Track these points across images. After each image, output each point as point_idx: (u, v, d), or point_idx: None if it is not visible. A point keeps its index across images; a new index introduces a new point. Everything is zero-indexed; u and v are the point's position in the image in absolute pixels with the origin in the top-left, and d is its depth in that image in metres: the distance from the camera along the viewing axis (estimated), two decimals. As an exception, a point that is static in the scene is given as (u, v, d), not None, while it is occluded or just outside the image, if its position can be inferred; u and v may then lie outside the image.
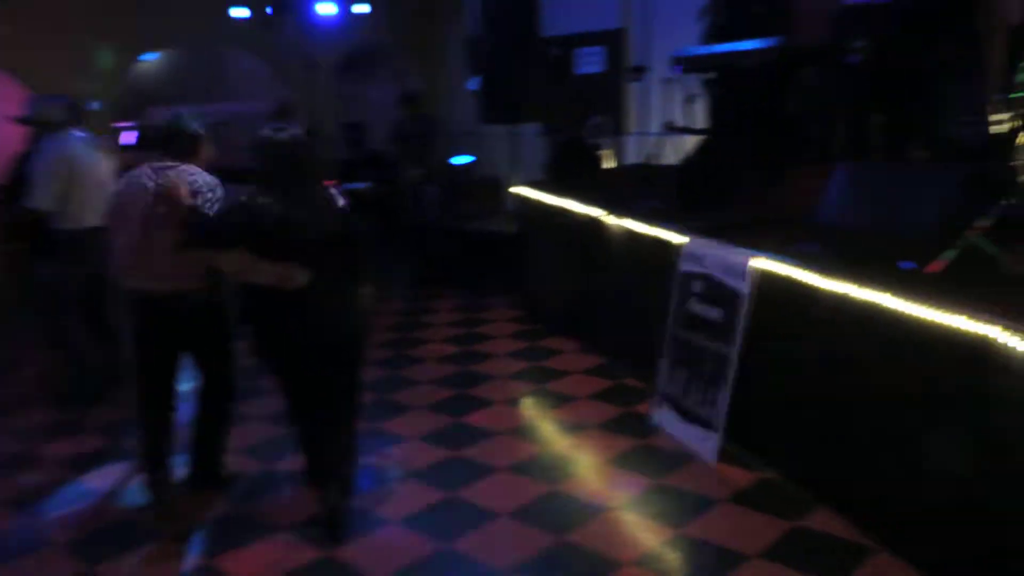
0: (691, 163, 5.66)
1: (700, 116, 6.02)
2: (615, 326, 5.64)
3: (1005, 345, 2.78)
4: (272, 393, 3.85)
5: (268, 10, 10.42)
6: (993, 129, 4.53)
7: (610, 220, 5.56)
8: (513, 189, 7.41)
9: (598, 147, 7.48)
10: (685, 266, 4.63)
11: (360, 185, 9.03)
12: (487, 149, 9.82)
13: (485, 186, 9.42)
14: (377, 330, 6.67)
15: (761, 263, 4.03)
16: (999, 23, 4.57)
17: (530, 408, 5.09)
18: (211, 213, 3.58)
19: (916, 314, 3.13)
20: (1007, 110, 4.60)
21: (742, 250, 4.20)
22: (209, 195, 3.68)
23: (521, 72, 8.46)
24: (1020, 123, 4.66)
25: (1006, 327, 2.79)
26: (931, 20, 4.59)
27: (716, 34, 5.71)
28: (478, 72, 8.74)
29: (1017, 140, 4.59)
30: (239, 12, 10.39)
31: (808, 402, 3.77)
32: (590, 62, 9.25)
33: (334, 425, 3.62)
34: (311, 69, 10.78)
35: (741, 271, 4.13)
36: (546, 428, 4.78)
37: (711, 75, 5.68)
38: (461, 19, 10.55)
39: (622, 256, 5.47)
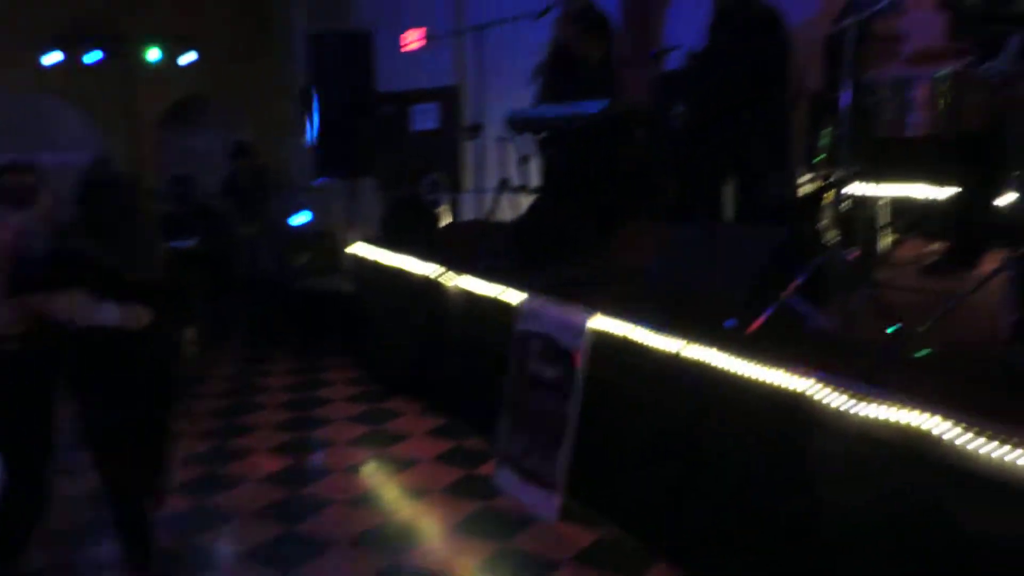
0: (526, 221, 5.74)
1: (535, 175, 6.13)
2: (456, 386, 5.60)
3: (819, 400, 2.93)
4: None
5: (89, 57, 9.90)
6: (801, 191, 4.87)
7: (448, 278, 5.55)
8: (351, 247, 7.28)
9: (435, 203, 7.50)
10: (523, 325, 4.66)
11: (187, 241, 8.62)
12: (323, 204, 9.65)
13: (322, 242, 9.22)
14: (205, 396, 6.34)
15: (597, 322, 4.11)
16: (803, 92, 4.94)
17: (371, 475, 4.95)
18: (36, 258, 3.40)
19: (739, 371, 3.28)
20: (812, 173, 4.97)
21: (578, 309, 4.27)
22: (35, 241, 3.47)
23: (356, 127, 8.40)
24: (824, 184, 5.03)
25: (820, 382, 2.95)
26: (741, 89, 4.90)
27: (547, 95, 5.85)
28: (313, 126, 8.60)
29: (822, 201, 4.95)
30: (52, 58, 9.81)
31: (644, 458, 3.85)
32: (426, 118, 9.30)
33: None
34: (134, 119, 10.29)
35: (578, 330, 4.19)
36: (388, 496, 4.65)
37: (544, 135, 5.81)
38: (295, 71, 10.39)
39: (461, 315, 5.45)
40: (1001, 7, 2.91)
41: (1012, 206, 3.15)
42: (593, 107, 5.13)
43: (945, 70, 2.86)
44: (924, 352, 2.99)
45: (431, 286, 5.71)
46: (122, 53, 10.00)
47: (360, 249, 7.05)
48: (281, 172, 10.00)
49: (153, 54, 9.95)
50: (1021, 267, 2.81)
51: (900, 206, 5.23)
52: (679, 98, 5.17)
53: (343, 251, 7.86)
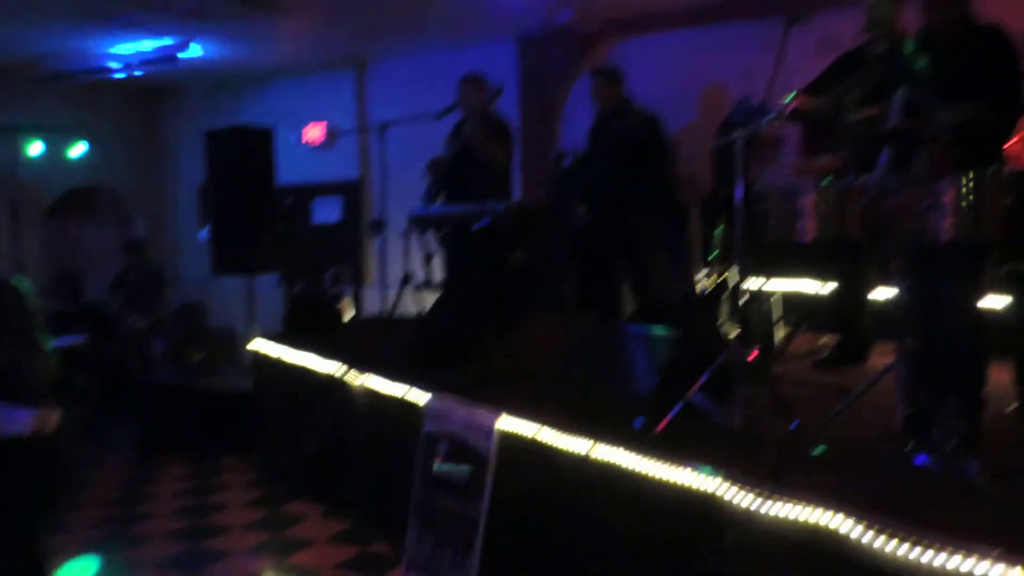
0: (431, 317, 5.74)
1: (439, 271, 6.16)
2: (361, 488, 5.45)
3: (728, 500, 2.97)
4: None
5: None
6: (698, 287, 5.04)
7: (352, 377, 5.46)
8: (250, 344, 7.10)
9: (338, 298, 7.42)
10: (429, 425, 4.60)
11: (74, 339, 8.25)
12: (221, 300, 9.42)
13: (219, 339, 8.97)
14: (89, 505, 5.98)
15: (505, 422, 4.09)
16: (697, 193, 5.17)
17: (270, 587, 4.73)
18: None
19: (647, 471, 3.31)
20: (707, 270, 5.17)
21: (486, 409, 4.25)
22: None
23: (255, 220, 8.28)
24: (720, 281, 5.23)
25: (728, 481, 2.99)
26: (624, 189, 5.12)
27: (449, 193, 5.93)
28: (209, 220, 8.44)
29: (720, 297, 5.14)
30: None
31: (556, 561, 3.80)
32: (328, 211, 9.29)
33: None
34: (18, 213, 9.89)
35: (486, 430, 4.16)
36: (288, 610, 4.43)
37: (447, 232, 5.88)
38: (191, 164, 10.25)
39: (365, 414, 5.35)
40: (875, 126, 3.14)
41: (892, 302, 3.32)
42: (496, 206, 5.23)
43: (828, 181, 3.04)
44: (820, 450, 3.09)
45: (335, 384, 5.60)
46: (4, 145, 9.67)
47: (260, 346, 6.87)
48: (176, 267, 9.75)
49: (35, 148, 9.62)
50: (909, 365, 2.95)
51: (791, 300, 5.48)
52: (576, 198, 5.34)
53: (242, 348, 7.66)
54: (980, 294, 3.37)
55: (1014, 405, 3.64)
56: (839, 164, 3.69)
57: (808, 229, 3.08)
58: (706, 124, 7.93)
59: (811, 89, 4.44)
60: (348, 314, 7.39)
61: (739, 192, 3.44)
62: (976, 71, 3.26)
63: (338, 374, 5.57)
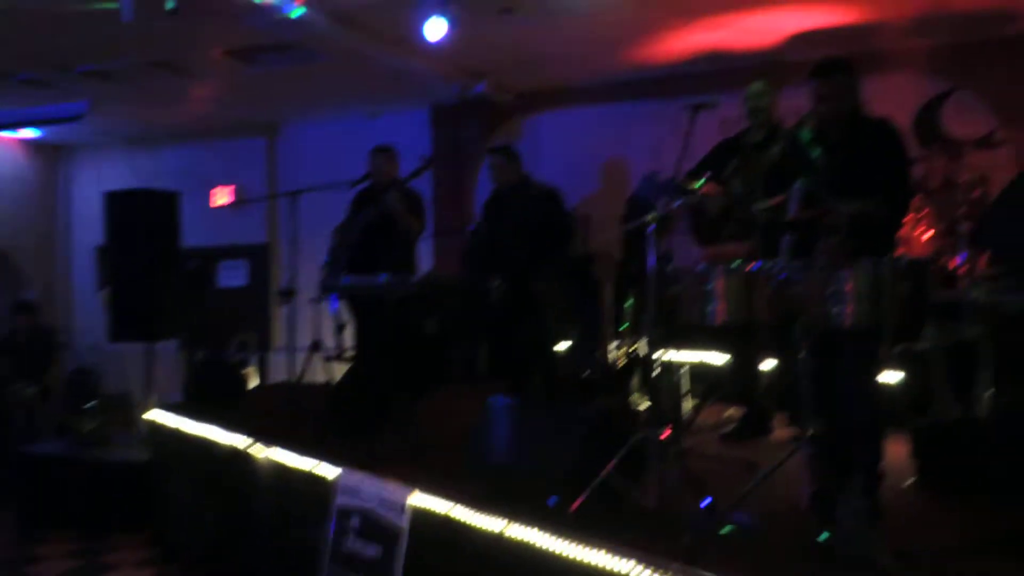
0: (342, 387, 5.65)
1: (350, 341, 6.09)
2: (267, 566, 5.24)
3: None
4: None
5: None
6: (611, 360, 5.12)
7: (257, 448, 5.29)
8: (147, 413, 6.82)
9: (243, 364, 7.23)
10: (340, 500, 4.49)
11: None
12: (117, 366, 9.05)
13: (114, 407, 8.58)
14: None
15: (418, 498, 4.03)
16: (609, 267, 5.28)
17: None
18: None
19: (562, 551, 3.30)
20: (619, 343, 5.27)
21: (399, 484, 4.18)
22: None
23: (157, 284, 8.03)
24: (633, 355, 5.33)
25: (641, 563, 3.01)
26: (545, 265, 5.22)
27: (350, 261, 5.87)
28: (108, 282, 8.15)
29: (632, 369, 5.24)
30: None
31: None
32: (234, 275, 9.10)
33: None
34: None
35: (399, 506, 4.09)
36: None
37: (359, 302, 5.84)
38: (90, 225, 9.92)
39: (272, 488, 5.18)
40: (778, 215, 3.30)
41: (793, 378, 3.45)
42: (410, 278, 5.23)
43: (737, 266, 3.16)
44: (728, 528, 3.15)
45: (239, 457, 5.41)
46: None
47: (158, 415, 6.61)
48: (69, 331, 9.35)
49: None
50: (814, 444, 3.05)
51: (698, 372, 5.62)
52: (489, 271, 5.38)
53: (138, 417, 7.34)
54: (877, 372, 3.54)
55: (911, 479, 3.80)
56: (747, 250, 3.86)
57: (718, 312, 3.18)
58: (614, 197, 8.16)
59: (693, 173, 4.65)
60: (253, 381, 7.20)
61: (651, 269, 3.55)
62: (868, 164, 3.46)
63: (243, 446, 5.39)
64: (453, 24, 6.05)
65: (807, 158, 3.64)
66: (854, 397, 3.38)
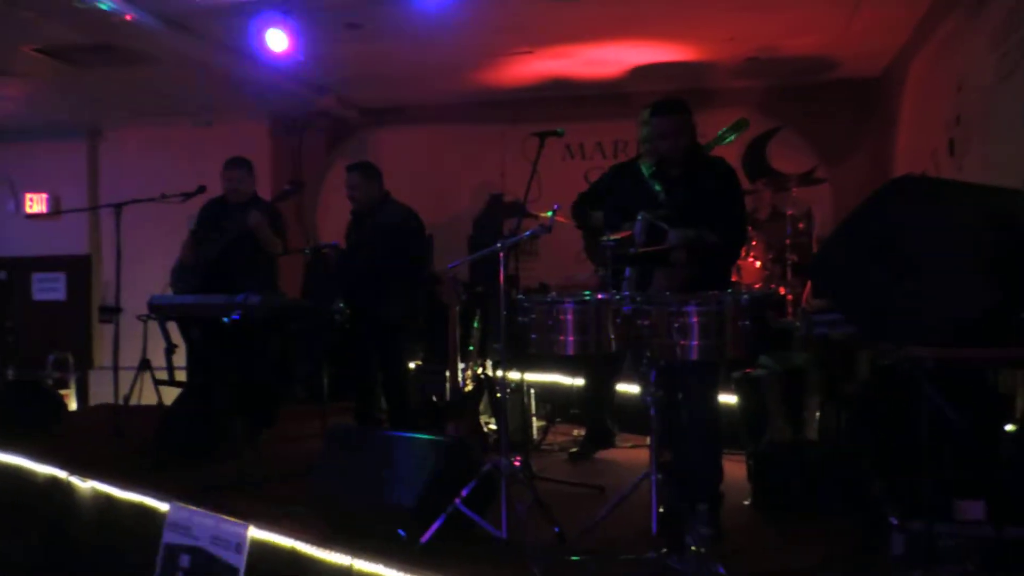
0: (174, 413, 5.32)
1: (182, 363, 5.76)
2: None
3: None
4: None
5: None
6: (459, 385, 5.10)
7: (76, 480, 4.91)
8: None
9: (61, 385, 6.71)
10: (170, 537, 4.21)
11: None
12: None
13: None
14: None
15: (257, 532, 3.85)
16: (457, 290, 5.27)
17: None
18: None
19: (414, 584, 3.24)
20: (466, 365, 5.26)
21: (236, 519, 3.97)
22: None
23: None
24: (480, 377, 5.33)
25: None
26: (397, 286, 5.14)
27: (204, 284, 5.57)
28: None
29: (480, 393, 5.24)
30: None
31: None
32: (50, 289, 8.46)
33: None
34: None
35: (235, 543, 3.88)
36: None
37: (192, 324, 5.54)
38: None
39: (94, 521, 4.81)
40: (625, 248, 3.40)
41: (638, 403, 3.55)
42: (249, 298, 5.00)
43: (588, 297, 3.22)
44: (576, 557, 3.19)
45: (56, 488, 5.00)
46: None
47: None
48: None
49: None
50: (661, 471, 3.14)
51: (545, 393, 5.70)
52: (335, 292, 5.24)
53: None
54: (717, 399, 3.70)
55: (747, 500, 3.99)
56: (597, 282, 3.94)
57: (569, 344, 3.22)
58: (460, 217, 8.19)
59: (589, 195, 4.70)
60: (72, 404, 6.69)
61: (502, 296, 3.56)
62: (706, 200, 3.61)
63: (62, 476, 4.99)
64: (296, 36, 5.87)
65: (649, 191, 3.77)
66: (698, 425, 3.51)
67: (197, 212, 5.81)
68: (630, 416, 5.29)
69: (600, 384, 5.09)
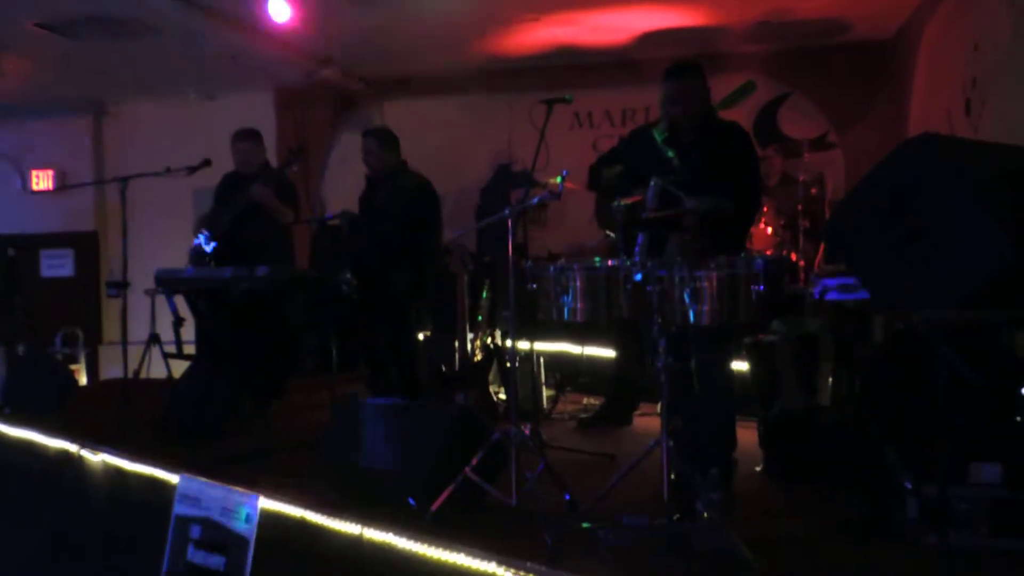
0: (183, 387, 5.31)
1: (189, 334, 5.75)
2: (99, 579, 4.89)
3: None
4: None
5: None
6: (468, 355, 5.07)
7: (87, 453, 4.92)
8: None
9: (71, 361, 6.72)
10: (180, 508, 4.22)
11: None
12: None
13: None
14: None
15: (268, 502, 3.84)
16: (465, 260, 5.22)
17: None
18: None
19: (423, 552, 3.23)
20: (474, 335, 5.22)
21: (244, 491, 3.97)
22: None
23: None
24: (487, 346, 5.30)
25: (502, 564, 2.97)
26: (409, 257, 5.09)
27: (218, 257, 5.54)
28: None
29: (490, 362, 5.20)
30: None
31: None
32: (58, 265, 8.46)
33: None
34: None
35: (246, 513, 3.88)
36: None
37: (200, 296, 5.52)
38: None
39: (105, 495, 4.83)
40: (636, 213, 3.33)
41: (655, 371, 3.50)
42: (256, 271, 4.98)
43: (597, 264, 3.17)
44: (587, 525, 3.17)
45: (68, 462, 5.01)
46: None
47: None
48: None
49: None
50: (673, 439, 3.11)
51: (553, 362, 5.66)
52: (343, 263, 5.19)
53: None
54: (730, 365, 3.66)
55: (759, 467, 3.96)
56: (607, 247, 3.89)
57: (579, 311, 3.18)
58: (468, 187, 8.13)
59: (606, 159, 4.62)
60: (82, 378, 6.70)
61: (510, 264, 3.51)
62: (720, 165, 3.55)
63: (73, 450, 5.00)
64: (299, 6, 5.80)
65: (662, 157, 3.70)
66: (711, 391, 3.47)
67: (214, 186, 5.78)
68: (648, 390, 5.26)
69: (630, 358, 4.99)
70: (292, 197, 5.58)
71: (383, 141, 5.27)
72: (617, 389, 5.09)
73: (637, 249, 3.13)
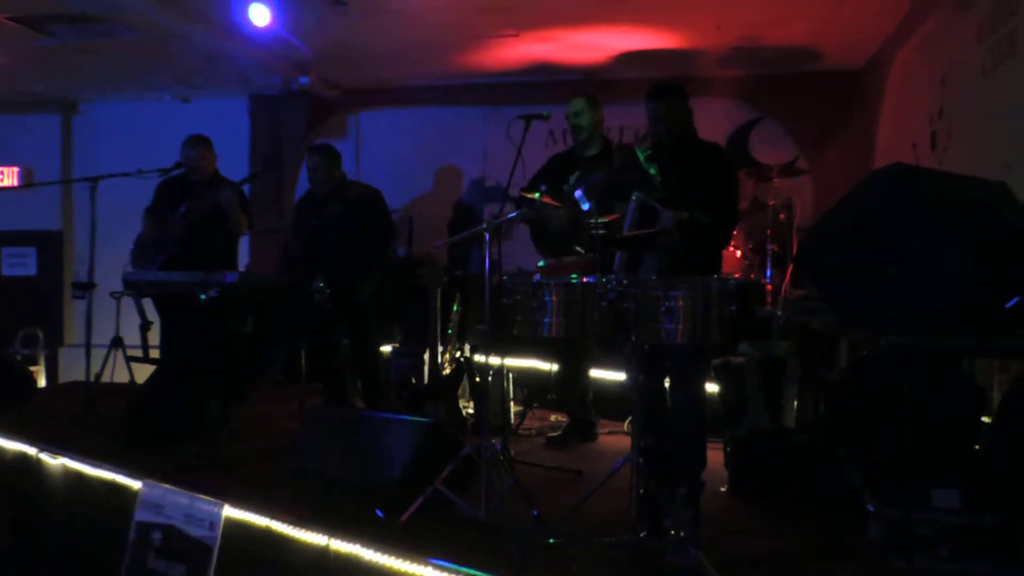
0: (148, 390, 5.25)
1: (156, 337, 5.69)
2: (53, 586, 4.80)
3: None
4: None
5: None
6: (438, 367, 5.07)
7: (46, 456, 4.84)
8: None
9: (30, 362, 6.61)
10: (142, 515, 4.16)
11: None
12: None
13: None
14: None
15: (232, 511, 3.80)
16: (438, 273, 5.23)
17: None
18: None
19: (391, 565, 3.21)
20: (444, 349, 5.22)
21: (209, 498, 3.92)
22: None
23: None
24: (459, 360, 5.30)
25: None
26: (366, 267, 5.11)
27: (168, 260, 5.51)
28: None
29: (458, 378, 5.21)
30: None
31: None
32: (20, 264, 8.31)
33: None
34: None
35: (210, 521, 3.84)
36: None
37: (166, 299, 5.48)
38: None
39: (64, 499, 4.74)
40: (613, 231, 3.38)
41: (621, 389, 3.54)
42: (226, 276, 4.94)
43: (574, 280, 3.20)
44: (554, 540, 3.19)
45: (25, 465, 4.92)
46: None
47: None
48: None
49: None
50: (642, 456, 3.14)
51: (523, 378, 5.68)
52: (313, 270, 5.19)
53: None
54: (702, 385, 3.70)
55: (724, 487, 3.99)
56: (584, 264, 3.93)
57: (553, 326, 3.20)
58: (441, 201, 8.13)
59: (530, 185, 4.70)
60: (41, 380, 6.58)
61: (487, 277, 3.53)
62: (700, 183, 3.61)
63: (31, 452, 4.91)
64: (279, 12, 5.78)
65: (643, 175, 3.76)
66: (682, 410, 3.51)
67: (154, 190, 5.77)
68: (608, 402, 5.31)
69: (572, 369, 5.09)
70: (249, 207, 5.68)
71: (330, 157, 5.43)
72: (568, 397, 5.17)
73: (615, 266, 3.16)
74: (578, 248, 4.25)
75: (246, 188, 5.91)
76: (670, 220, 3.43)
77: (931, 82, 5.32)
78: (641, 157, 3.71)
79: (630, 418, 3.75)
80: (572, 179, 4.65)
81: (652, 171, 3.66)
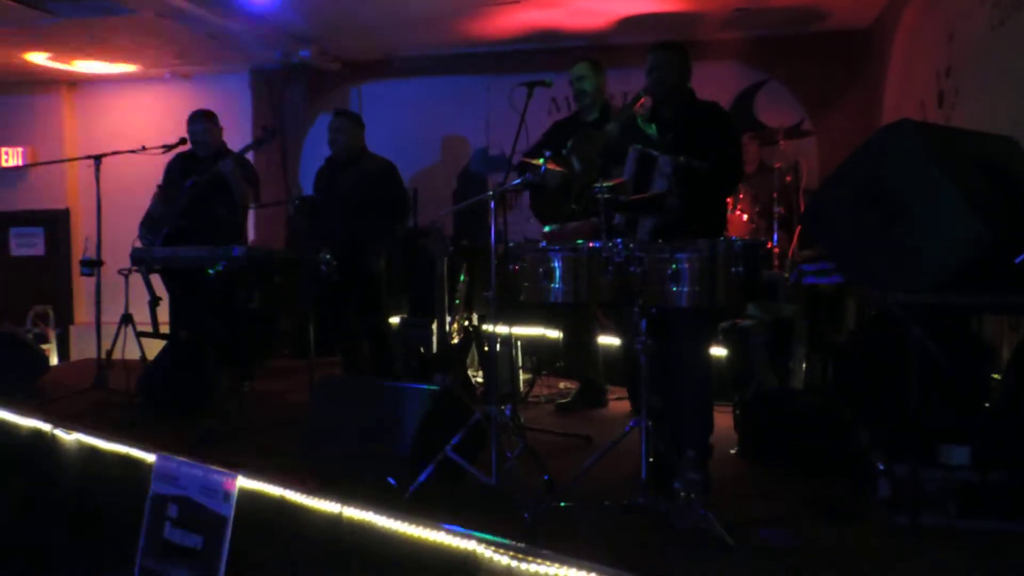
0: (158, 365, 5.28)
1: (165, 313, 5.71)
2: (72, 559, 4.86)
3: (489, 558, 2.98)
4: None
5: None
6: (446, 337, 5.09)
7: (61, 432, 4.88)
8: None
9: (42, 340, 6.65)
10: (157, 487, 4.21)
11: None
12: None
13: None
14: None
15: (247, 481, 3.84)
16: (444, 243, 5.23)
17: None
18: None
19: (403, 531, 3.25)
20: (452, 318, 5.23)
21: (223, 470, 3.96)
22: None
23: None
24: (464, 329, 5.32)
25: (482, 542, 3.01)
26: (377, 238, 5.12)
27: (175, 234, 5.52)
28: None
29: (466, 347, 5.22)
30: None
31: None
32: (29, 243, 8.34)
33: None
34: None
35: (224, 491, 3.88)
36: None
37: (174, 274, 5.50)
38: None
39: (79, 473, 4.79)
40: (617, 195, 3.37)
41: (628, 356, 3.53)
42: (233, 249, 4.95)
43: (580, 246, 3.19)
44: (565, 503, 3.21)
45: (40, 440, 4.97)
46: None
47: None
48: None
49: None
50: (651, 419, 3.15)
51: (529, 346, 5.70)
52: (321, 242, 5.19)
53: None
54: (709, 348, 3.70)
55: (733, 449, 4.01)
56: (589, 229, 3.92)
57: (562, 292, 3.20)
58: (444, 171, 8.11)
59: (533, 151, 4.68)
60: (53, 358, 6.62)
61: (492, 245, 3.52)
62: (701, 140, 3.60)
63: (46, 429, 4.96)
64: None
65: (643, 135, 3.75)
66: (689, 374, 3.52)
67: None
68: (617, 367, 5.32)
69: (578, 335, 5.10)
70: (253, 177, 5.63)
71: (354, 122, 5.47)
72: (575, 363, 5.19)
73: (619, 231, 3.16)
74: (573, 206, 4.24)
75: (251, 157, 5.90)
76: (668, 164, 3.43)
77: (939, 39, 5.26)
78: (639, 121, 3.71)
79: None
80: (569, 144, 4.63)
81: (651, 131, 3.65)
